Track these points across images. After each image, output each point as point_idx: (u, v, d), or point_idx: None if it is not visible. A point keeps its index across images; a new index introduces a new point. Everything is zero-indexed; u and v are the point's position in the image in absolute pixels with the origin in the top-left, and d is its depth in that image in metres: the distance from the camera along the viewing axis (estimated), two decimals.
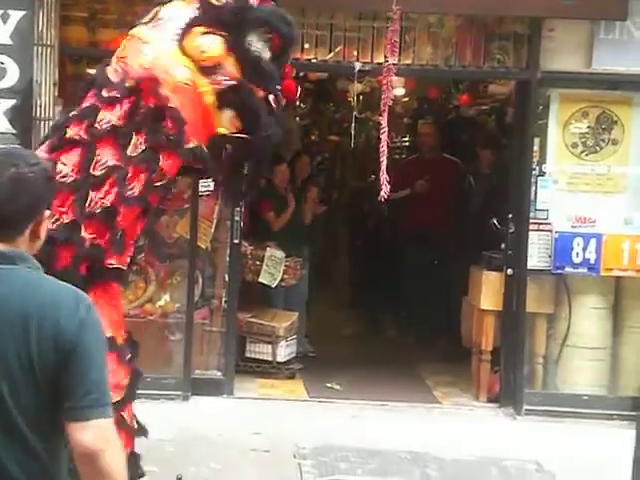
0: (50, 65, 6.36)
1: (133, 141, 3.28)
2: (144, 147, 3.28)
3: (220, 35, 3.38)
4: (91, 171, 3.24)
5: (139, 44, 3.42)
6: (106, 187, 3.24)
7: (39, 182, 2.15)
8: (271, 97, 3.49)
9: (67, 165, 3.25)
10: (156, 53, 3.37)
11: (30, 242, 2.16)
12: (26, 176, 2.12)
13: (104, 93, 3.35)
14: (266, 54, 3.45)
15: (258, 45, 3.42)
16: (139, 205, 3.32)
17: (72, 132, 3.30)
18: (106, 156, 3.26)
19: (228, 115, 3.41)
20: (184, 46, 3.35)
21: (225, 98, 3.36)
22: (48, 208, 2.19)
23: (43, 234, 2.18)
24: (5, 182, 2.11)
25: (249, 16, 3.42)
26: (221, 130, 3.41)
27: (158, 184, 3.34)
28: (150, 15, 3.50)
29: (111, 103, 3.33)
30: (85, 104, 3.39)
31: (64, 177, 3.20)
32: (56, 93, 6.34)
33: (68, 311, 2.08)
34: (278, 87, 3.53)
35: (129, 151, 3.27)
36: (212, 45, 3.35)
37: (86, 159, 3.25)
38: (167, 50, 3.37)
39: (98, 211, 3.21)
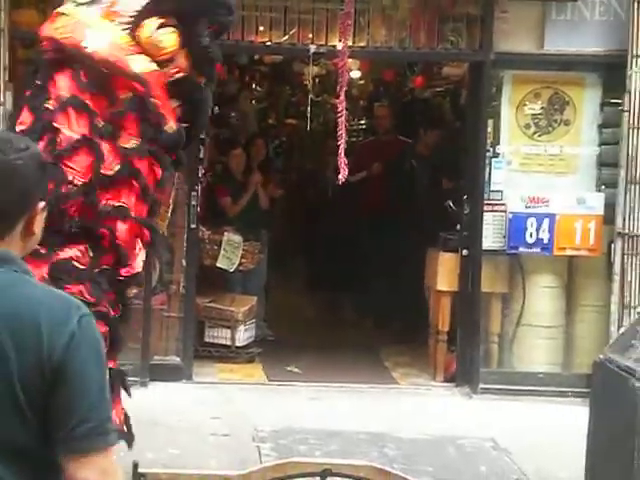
0: (1, 50, 6.27)
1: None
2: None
3: (174, 27, 3.37)
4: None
5: (80, 26, 3.36)
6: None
7: (30, 170, 1.82)
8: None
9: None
10: (106, 41, 3.32)
11: (23, 240, 1.84)
12: (14, 164, 1.80)
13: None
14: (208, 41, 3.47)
15: (206, 35, 3.44)
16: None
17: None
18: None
19: (172, 103, 3.43)
20: (139, 37, 3.32)
21: (172, 89, 3.36)
22: (42, 199, 1.86)
23: (38, 229, 1.86)
24: None
25: (200, 6, 3.42)
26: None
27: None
28: None
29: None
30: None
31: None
32: (7, 78, 6.26)
33: (55, 323, 1.72)
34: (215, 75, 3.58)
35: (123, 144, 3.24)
36: (169, 40, 3.34)
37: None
38: (118, 39, 3.33)
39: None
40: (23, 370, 1.70)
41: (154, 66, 3.31)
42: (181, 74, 3.37)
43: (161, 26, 3.33)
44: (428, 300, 7.51)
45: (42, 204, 1.85)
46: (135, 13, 3.35)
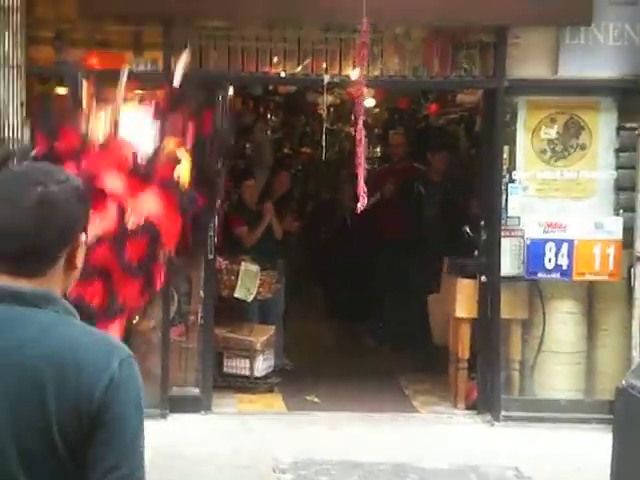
0: (17, 86, 6.34)
1: None
2: None
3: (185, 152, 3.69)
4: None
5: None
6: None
7: (71, 202, 1.76)
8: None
9: None
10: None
11: (65, 274, 1.78)
12: (56, 196, 1.73)
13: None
14: None
15: None
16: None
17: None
18: None
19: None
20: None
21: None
22: (84, 231, 1.81)
23: (80, 262, 1.79)
24: (32, 206, 1.72)
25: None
26: None
27: None
28: None
29: None
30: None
31: None
32: (24, 113, 6.32)
33: (96, 366, 1.68)
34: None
35: None
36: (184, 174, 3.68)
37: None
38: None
39: None
40: (62, 412, 1.66)
41: None
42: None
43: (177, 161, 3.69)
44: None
45: (84, 236, 1.80)
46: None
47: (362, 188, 5.57)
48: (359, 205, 5.57)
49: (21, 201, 1.72)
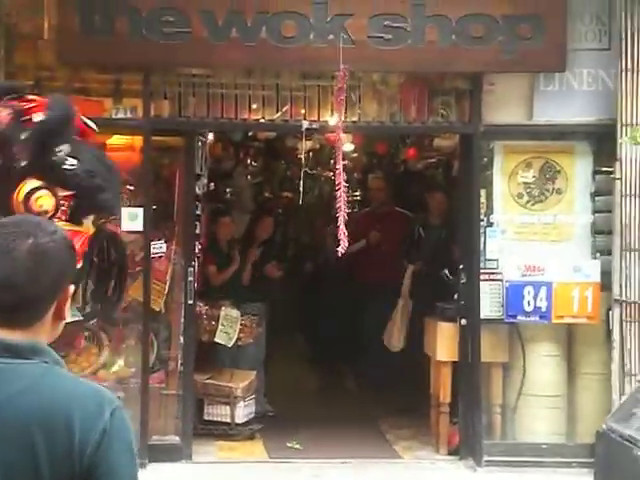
0: None
1: None
2: None
3: (45, 188, 3.68)
4: None
5: None
6: None
7: (62, 253, 1.76)
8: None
9: None
10: None
11: (52, 325, 1.78)
12: (47, 247, 1.73)
13: None
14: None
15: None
16: None
17: None
18: None
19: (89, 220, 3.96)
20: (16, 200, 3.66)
21: (77, 215, 3.85)
22: (72, 282, 1.81)
23: (67, 314, 1.80)
24: (23, 258, 1.71)
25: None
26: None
27: None
28: None
29: None
30: None
31: None
32: None
33: (88, 418, 1.66)
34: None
35: None
36: (47, 203, 3.68)
37: None
38: None
39: None
40: (54, 467, 1.64)
41: None
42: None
43: (33, 191, 3.64)
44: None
45: (72, 287, 1.80)
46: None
47: (342, 232, 5.60)
48: (339, 249, 5.59)
49: (13, 253, 1.71)
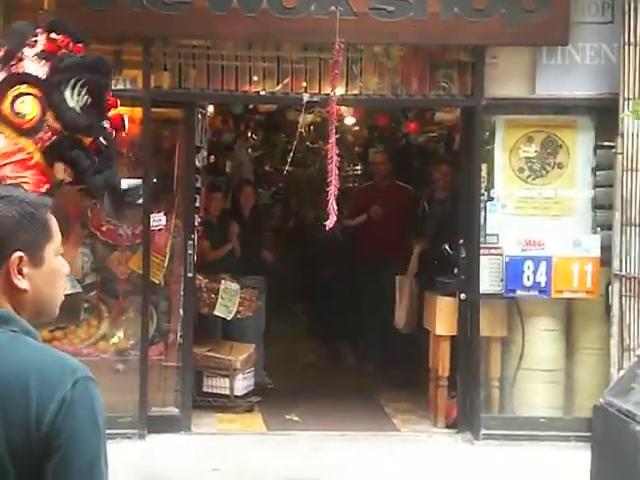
0: None
1: None
2: None
3: (34, 95, 3.60)
4: None
5: None
6: None
7: (7, 219, 1.73)
8: (102, 140, 3.80)
9: None
10: None
11: (9, 294, 1.73)
12: None
13: None
14: (83, 101, 3.74)
15: (73, 96, 3.68)
16: None
17: None
18: None
19: (60, 167, 3.73)
20: (2, 111, 3.57)
21: (51, 153, 3.67)
22: (20, 250, 1.74)
23: (24, 285, 1.73)
24: None
25: (59, 71, 3.67)
26: (58, 179, 3.75)
27: None
28: None
29: None
30: None
31: None
32: None
33: (46, 387, 1.61)
34: (103, 130, 3.82)
35: None
36: (28, 107, 3.62)
37: None
38: None
39: None
40: (12, 439, 1.60)
41: (20, 139, 3.59)
42: (57, 136, 3.63)
43: (19, 95, 3.57)
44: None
45: (17, 255, 1.72)
46: None
47: (332, 206, 5.57)
48: (328, 223, 5.56)
49: None
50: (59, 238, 1.82)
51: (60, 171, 3.69)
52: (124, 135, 4.24)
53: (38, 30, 3.86)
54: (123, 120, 4.13)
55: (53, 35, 3.81)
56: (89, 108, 3.75)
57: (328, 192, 5.63)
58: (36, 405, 1.61)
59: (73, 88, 3.68)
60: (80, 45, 3.94)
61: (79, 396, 1.64)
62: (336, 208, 5.49)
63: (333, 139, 5.69)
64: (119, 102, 6.75)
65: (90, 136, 3.78)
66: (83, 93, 3.72)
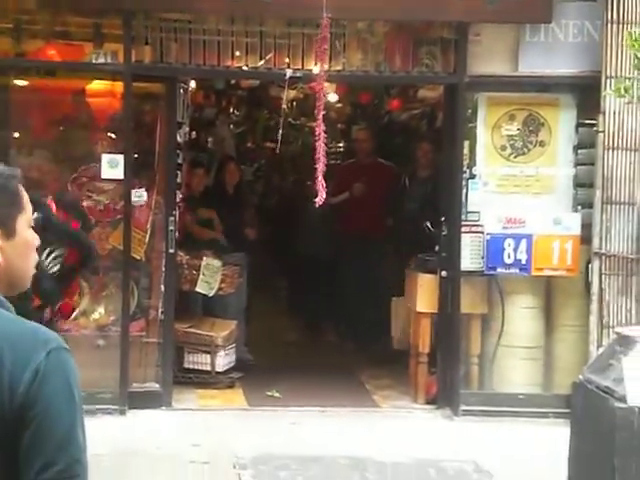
0: None
1: None
2: None
3: None
4: None
5: None
6: None
7: None
8: None
9: None
10: None
11: None
12: None
13: None
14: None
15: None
16: None
17: None
18: None
19: None
20: None
21: None
22: None
23: None
24: None
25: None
26: None
27: None
28: None
29: None
30: None
31: None
32: None
33: (19, 357, 1.61)
34: None
35: None
36: None
37: None
38: None
39: None
40: None
41: None
42: None
43: None
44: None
45: None
46: None
47: (321, 183, 5.56)
48: (317, 200, 5.56)
49: None
50: (30, 209, 1.79)
51: None
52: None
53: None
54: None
55: None
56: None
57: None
58: (10, 375, 1.60)
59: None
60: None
61: (53, 366, 1.63)
62: (324, 185, 5.48)
63: (321, 115, 5.66)
64: (99, 75, 6.78)
65: None
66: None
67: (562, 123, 6.85)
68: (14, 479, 1.61)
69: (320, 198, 5.56)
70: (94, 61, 6.63)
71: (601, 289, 6.49)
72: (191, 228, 7.74)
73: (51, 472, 1.60)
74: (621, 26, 6.41)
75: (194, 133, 8.92)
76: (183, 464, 5.67)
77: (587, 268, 6.63)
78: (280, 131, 6.80)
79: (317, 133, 5.73)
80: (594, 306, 6.51)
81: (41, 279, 3.91)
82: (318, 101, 5.87)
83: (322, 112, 5.78)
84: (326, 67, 6.53)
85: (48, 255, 3.92)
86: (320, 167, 5.59)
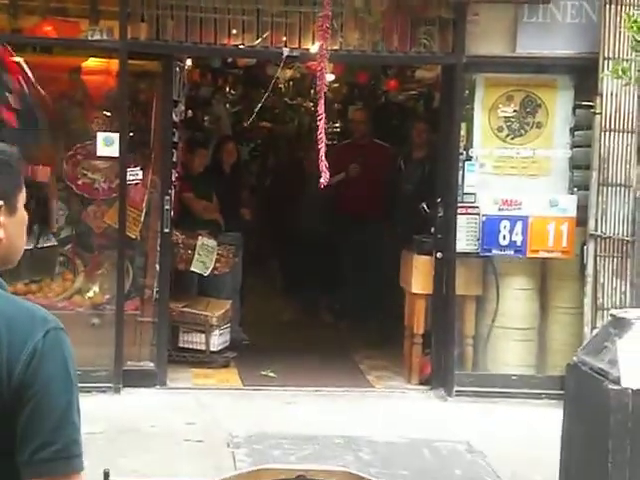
0: None
1: None
2: None
3: None
4: None
5: None
6: None
7: None
8: None
9: None
10: None
11: None
12: None
13: None
14: None
15: None
16: None
17: None
18: None
19: None
20: None
21: None
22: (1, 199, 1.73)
23: (0, 232, 1.72)
24: None
25: None
26: None
27: None
28: None
29: None
30: None
31: None
32: None
33: (16, 337, 1.61)
34: None
35: None
36: None
37: None
38: None
39: None
40: None
41: None
42: None
43: None
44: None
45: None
46: None
47: (324, 163, 5.53)
48: (322, 180, 5.52)
49: None
50: (24, 186, 1.81)
51: None
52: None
53: None
54: (22, 67, 3.93)
55: None
56: None
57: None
58: (7, 355, 1.61)
59: None
60: None
61: (50, 346, 1.63)
62: (327, 164, 5.44)
63: (322, 95, 5.61)
64: (94, 52, 6.71)
65: None
66: None
67: (559, 105, 6.83)
68: (8, 459, 1.61)
69: (325, 179, 5.51)
70: (90, 38, 6.58)
71: (596, 271, 6.50)
72: (190, 204, 7.72)
73: (48, 451, 1.60)
74: (619, 7, 6.38)
75: (190, 112, 8.88)
76: (177, 443, 5.69)
77: (582, 250, 6.63)
78: (259, 107, 6.68)
79: (318, 113, 5.69)
80: (589, 288, 6.52)
81: None
82: (319, 80, 5.82)
83: (323, 92, 5.72)
84: (326, 46, 6.50)
85: None
86: (322, 147, 5.55)
